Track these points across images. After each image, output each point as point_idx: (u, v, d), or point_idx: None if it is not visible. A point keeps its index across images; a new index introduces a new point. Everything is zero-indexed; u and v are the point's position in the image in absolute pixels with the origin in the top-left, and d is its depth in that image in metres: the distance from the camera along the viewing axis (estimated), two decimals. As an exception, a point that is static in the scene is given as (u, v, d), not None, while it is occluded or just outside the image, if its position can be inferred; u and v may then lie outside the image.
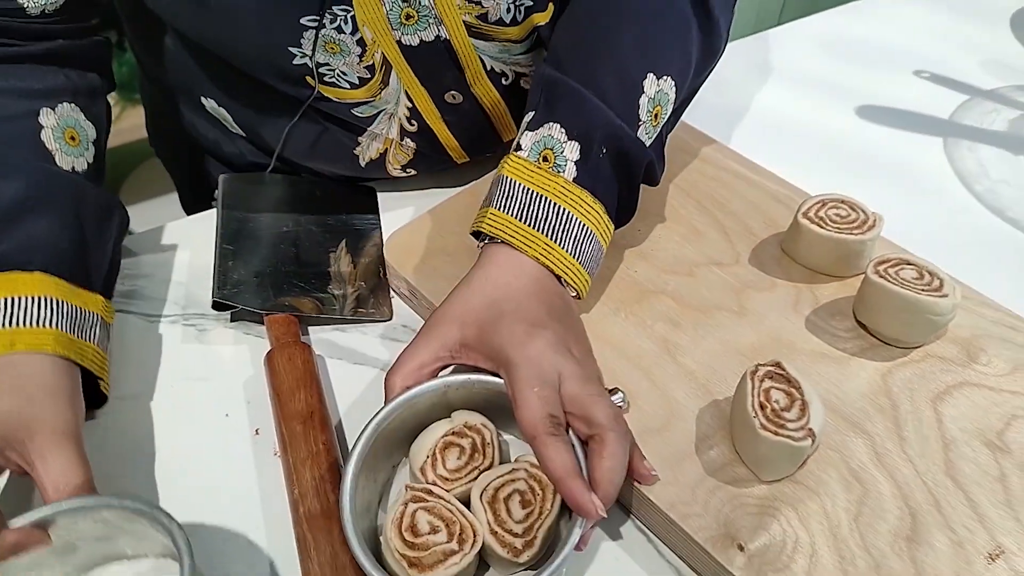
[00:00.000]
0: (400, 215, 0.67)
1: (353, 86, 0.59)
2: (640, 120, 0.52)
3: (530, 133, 0.52)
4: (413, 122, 0.63)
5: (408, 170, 0.68)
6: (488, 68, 0.61)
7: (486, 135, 0.67)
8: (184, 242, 0.65)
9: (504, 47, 0.60)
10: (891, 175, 0.72)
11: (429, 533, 0.44)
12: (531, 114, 0.53)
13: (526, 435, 0.45)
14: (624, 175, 0.52)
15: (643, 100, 0.52)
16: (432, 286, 0.58)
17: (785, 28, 0.91)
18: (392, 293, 0.62)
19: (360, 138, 0.65)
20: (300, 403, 0.52)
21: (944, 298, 0.51)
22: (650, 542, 0.49)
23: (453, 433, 0.49)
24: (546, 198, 0.50)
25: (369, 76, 0.59)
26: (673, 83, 0.53)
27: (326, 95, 0.60)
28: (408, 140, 0.65)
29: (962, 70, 0.82)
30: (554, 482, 0.44)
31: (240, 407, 0.55)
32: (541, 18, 0.58)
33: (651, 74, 0.52)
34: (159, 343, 0.59)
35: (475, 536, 0.44)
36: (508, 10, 0.57)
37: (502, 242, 0.50)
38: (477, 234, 0.53)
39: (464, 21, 0.56)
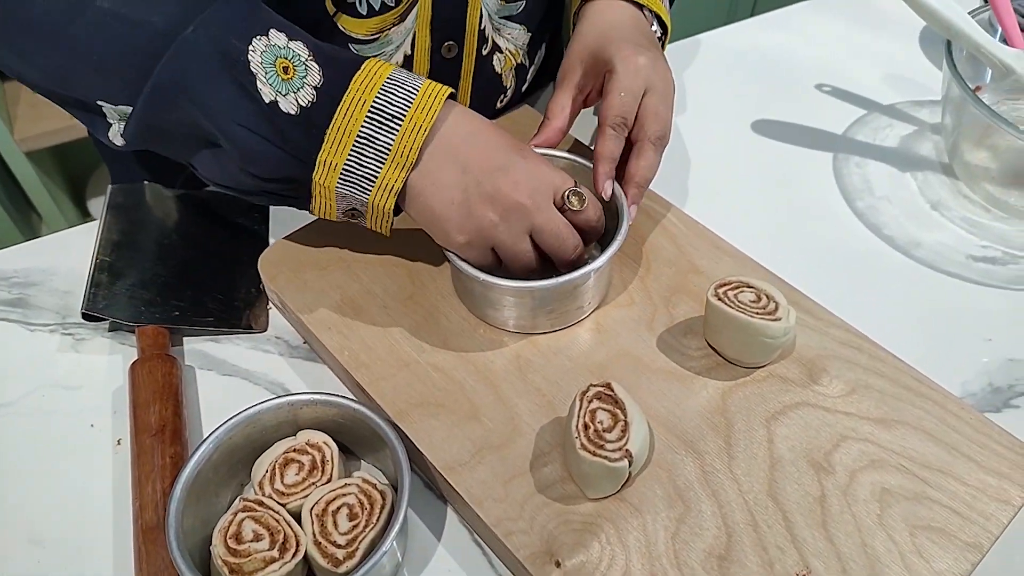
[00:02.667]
0: (288, 228, 0.68)
1: (371, 13, 0.60)
2: None
3: None
4: None
5: None
6: (481, 27, 0.66)
7: None
8: (73, 251, 0.66)
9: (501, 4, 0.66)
10: (777, 190, 0.73)
11: (252, 541, 0.45)
12: None
13: (600, 125, 0.58)
14: None
15: None
16: (299, 299, 0.59)
17: (705, 36, 0.91)
18: (269, 305, 0.64)
19: None
20: (154, 416, 0.53)
21: (776, 322, 0.52)
22: (484, 555, 0.51)
23: (294, 450, 0.50)
24: None
25: (393, 4, 0.60)
26: None
27: (339, 25, 0.60)
28: None
29: (865, 84, 0.83)
30: (596, 161, 0.57)
31: (106, 417, 0.57)
32: None
33: None
34: (36, 351, 0.61)
35: (298, 545, 0.46)
36: None
37: None
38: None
39: None
